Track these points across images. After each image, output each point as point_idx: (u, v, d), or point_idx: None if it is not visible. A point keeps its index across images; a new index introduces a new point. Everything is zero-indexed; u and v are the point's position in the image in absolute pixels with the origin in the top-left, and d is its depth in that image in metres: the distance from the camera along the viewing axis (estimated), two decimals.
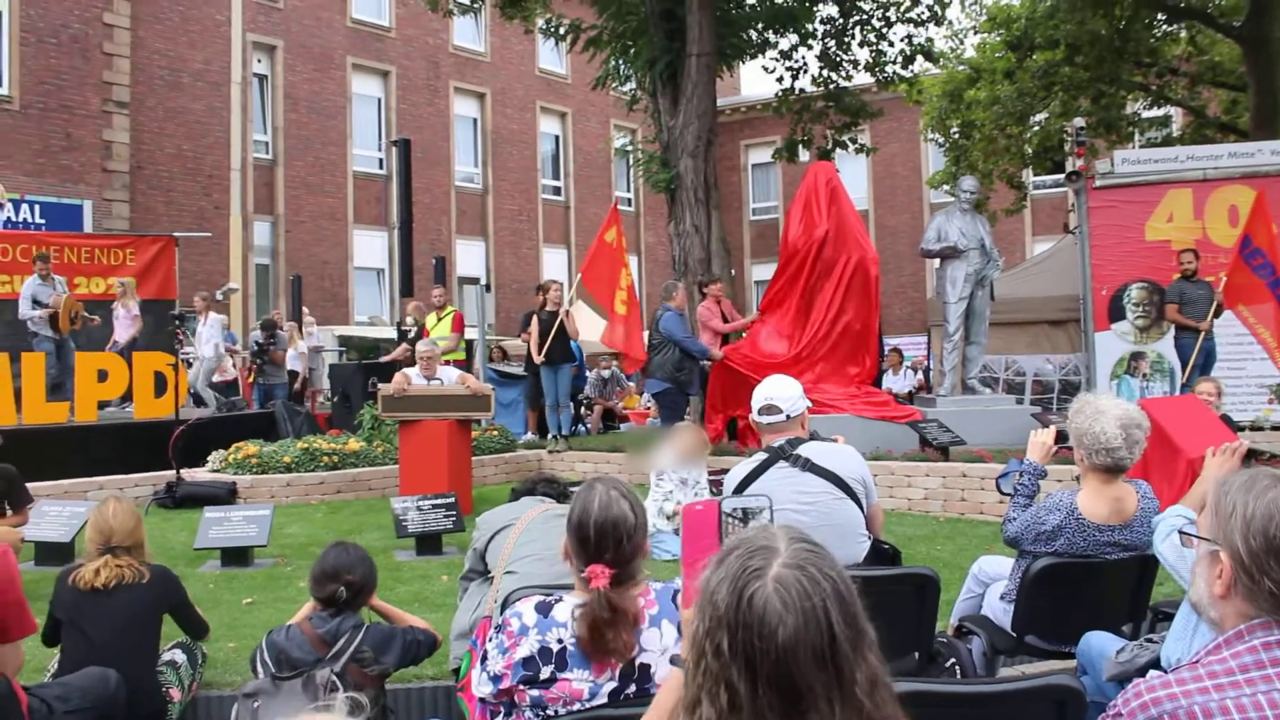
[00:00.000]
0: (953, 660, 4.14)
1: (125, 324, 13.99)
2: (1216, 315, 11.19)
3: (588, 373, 17.15)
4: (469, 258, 29.20)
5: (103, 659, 4.11)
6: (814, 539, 1.57)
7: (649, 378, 12.27)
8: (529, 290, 28.04)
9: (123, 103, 22.23)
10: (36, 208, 20.15)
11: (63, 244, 15.39)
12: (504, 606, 3.59)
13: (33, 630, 3.58)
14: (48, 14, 21.15)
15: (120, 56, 22.28)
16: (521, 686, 2.61)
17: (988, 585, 4.66)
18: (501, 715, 2.73)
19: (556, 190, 32.31)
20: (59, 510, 7.75)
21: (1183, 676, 1.77)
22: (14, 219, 18.36)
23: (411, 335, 13.85)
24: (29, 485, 7.61)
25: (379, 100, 28.11)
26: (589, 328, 12.69)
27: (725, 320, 12.06)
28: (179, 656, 4.62)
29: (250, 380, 16.40)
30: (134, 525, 4.48)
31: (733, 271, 12.58)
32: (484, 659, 2.71)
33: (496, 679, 2.64)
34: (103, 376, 12.25)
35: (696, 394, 11.73)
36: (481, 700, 2.73)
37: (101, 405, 12.35)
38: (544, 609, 2.68)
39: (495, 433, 12.56)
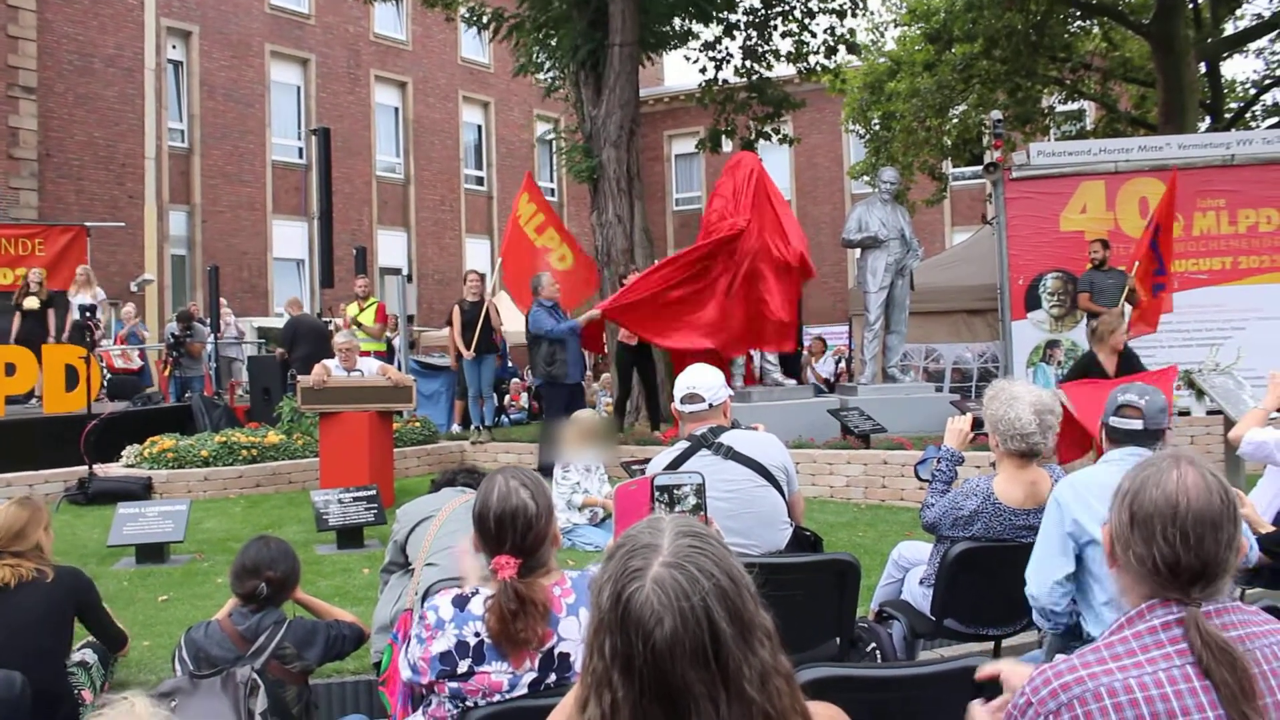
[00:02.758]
0: (873, 645, 4.20)
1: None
2: (1129, 302, 11.44)
3: (510, 364, 17.08)
4: (391, 248, 28.88)
5: (6, 661, 3.97)
6: (704, 529, 1.56)
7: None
8: (451, 281, 27.84)
9: (29, 88, 21.60)
10: None
11: None
12: (424, 598, 3.56)
13: None
14: None
15: (26, 40, 21.64)
16: (440, 680, 2.59)
17: (907, 570, 4.73)
18: (420, 710, 2.72)
19: (479, 180, 32.08)
20: None
21: (1088, 659, 1.81)
22: None
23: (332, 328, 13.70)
24: None
25: (298, 88, 27.65)
26: (512, 318, 12.64)
27: None
28: (89, 656, 4.51)
29: (166, 373, 16.07)
30: (23, 525, 4.30)
31: (655, 261, 12.56)
32: (406, 646, 2.71)
33: (415, 670, 2.63)
34: (10, 370, 11.92)
35: (577, 380, 11.46)
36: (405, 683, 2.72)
37: (9, 400, 12.01)
38: (460, 602, 2.66)
39: (417, 424, 12.46)
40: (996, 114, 15.52)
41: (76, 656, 4.45)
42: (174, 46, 24.97)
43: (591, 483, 8.11)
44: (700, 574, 1.45)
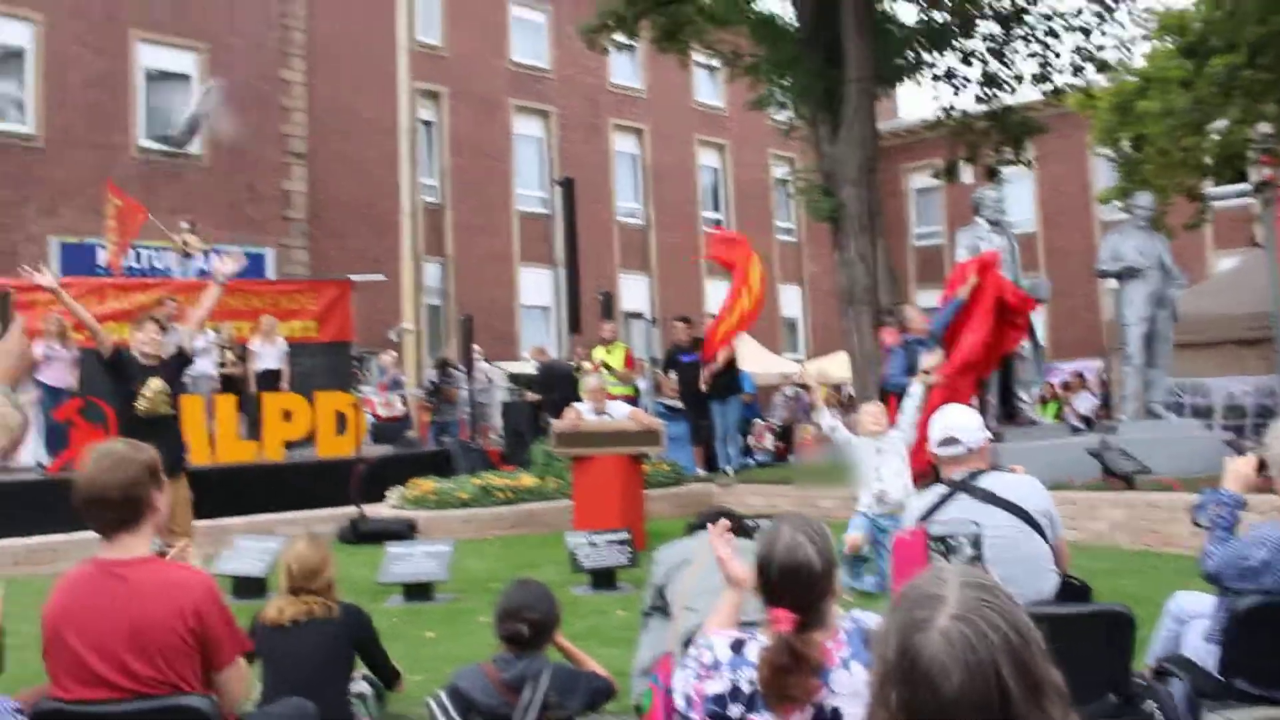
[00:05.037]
0: (1152, 703, 3.97)
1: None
2: None
3: (755, 404, 17.11)
4: (634, 292, 29.47)
5: (297, 691, 4.21)
6: (990, 581, 1.52)
7: None
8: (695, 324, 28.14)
9: (300, 154, 23.30)
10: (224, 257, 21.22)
11: (249, 290, 16.14)
12: (686, 643, 3.59)
13: (248, 647, 3.60)
14: (231, 73, 22.37)
15: (297, 110, 23.37)
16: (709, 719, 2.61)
17: (1185, 623, 4.45)
18: None
19: (717, 222, 32.43)
20: (253, 545, 8.12)
21: None
22: (205, 268, 19.37)
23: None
24: (224, 520, 7.95)
25: (540, 140, 28.74)
26: (757, 359, 12.67)
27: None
28: (365, 688, 4.75)
29: (426, 419, 16.87)
30: (318, 564, 4.56)
31: (898, 298, 12.40)
32: (680, 672, 2.74)
33: (689, 703, 2.66)
34: (287, 417, 12.78)
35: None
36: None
37: (287, 445, 12.88)
38: (737, 646, 2.67)
39: (666, 467, 12.61)
40: (1264, 127, 14.53)
41: (354, 688, 4.71)
42: (425, 107, 26.40)
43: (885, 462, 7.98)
44: (989, 628, 1.42)
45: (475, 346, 18.01)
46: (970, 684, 1.39)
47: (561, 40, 27.82)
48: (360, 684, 4.77)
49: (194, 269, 16.10)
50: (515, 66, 28.22)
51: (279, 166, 22.95)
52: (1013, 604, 1.49)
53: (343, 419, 12.54)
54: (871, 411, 8.36)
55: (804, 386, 13.56)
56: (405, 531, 10.27)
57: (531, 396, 14.33)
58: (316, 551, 4.64)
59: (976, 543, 2.59)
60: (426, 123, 26.59)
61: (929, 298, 29.24)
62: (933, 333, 10.18)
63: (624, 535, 8.14)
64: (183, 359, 7.87)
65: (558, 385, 13.51)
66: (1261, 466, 4.11)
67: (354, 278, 17.77)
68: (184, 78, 22.16)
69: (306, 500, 11.17)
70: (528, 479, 11.50)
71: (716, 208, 32.63)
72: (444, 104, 26.69)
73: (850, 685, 2.58)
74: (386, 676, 4.88)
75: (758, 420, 19.15)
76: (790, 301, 34.01)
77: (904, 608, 1.49)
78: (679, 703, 2.72)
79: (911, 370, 9.68)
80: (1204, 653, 4.10)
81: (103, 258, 17.46)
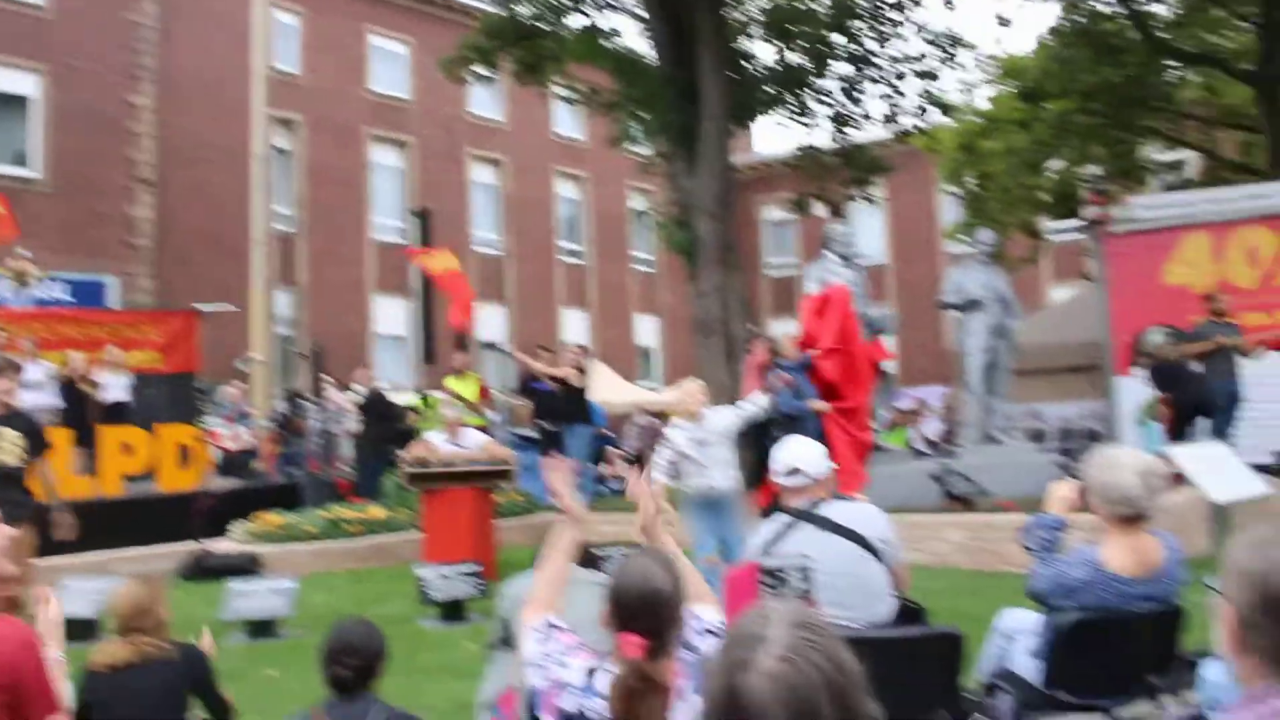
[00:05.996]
0: (982, 717, 4.11)
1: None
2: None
3: (608, 433, 17.14)
4: (490, 322, 29.33)
5: None
6: (814, 619, 1.56)
7: None
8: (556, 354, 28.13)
9: (147, 180, 22.58)
10: (60, 285, 20.39)
11: (89, 320, 15.54)
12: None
13: (56, 712, 3.36)
14: (74, 96, 21.60)
15: (145, 135, 22.68)
16: None
17: (1012, 639, 4.62)
18: None
19: (575, 253, 32.54)
20: (83, 585, 7.78)
21: None
22: (43, 297, 18.57)
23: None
24: (57, 559, 7.63)
25: (398, 169, 28.46)
26: (610, 389, 12.73)
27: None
28: None
29: (274, 451, 16.44)
30: (149, 603, 4.35)
31: (751, 329, 12.64)
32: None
33: (539, 699, 2.75)
34: (127, 450, 12.32)
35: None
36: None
37: (127, 479, 12.40)
38: (589, 674, 2.70)
39: (518, 497, 12.54)
40: (1094, 168, 15.30)
41: None
42: (280, 135, 25.90)
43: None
44: (810, 667, 1.46)
45: (326, 376, 17.64)
46: None
47: (422, 70, 27.65)
48: None
49: (29, 298, 15.42)
50: (374, 95, 27.94)
51: (124, 192, 22.22)
52: (835, 641, 1.53)
53: (186, 452, 12.14)
54: (691, 390, 8.10)
55: (658, 416, 13.60)
56: (249, 566, 10.00)
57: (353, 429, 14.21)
58: (147, 590, 4.46)
59: (806, 576, 2.64)
60: (282, 150, 26.07)
61: (784, 327, 29.89)
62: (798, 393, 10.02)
63: (474, 567, 8.08)
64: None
65: (377, 417, 13.36)
66: (1082, 491, 4.30)
67: (201, 307, 17.28)
68: (23, 100, 21.32)
69: (147, 536, 10.78)
70: (378, 511, 11.31)
71: (574, 238, 32.74)
72: (300, 132, 26.23)
73: (691, 716, 2.60)
74: (219, 711, 4.71)
75: (611, 449, 19.20)
76: (646, 331, 34.32)
77: (729, 647, 1.53)
78: (536, 680, 2.79)
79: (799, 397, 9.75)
80: (1030, 667, 4.26)
81: None
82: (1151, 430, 12.52)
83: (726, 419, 7.96)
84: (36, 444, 7.39)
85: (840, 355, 10.33)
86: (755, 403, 8.31)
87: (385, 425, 13.36)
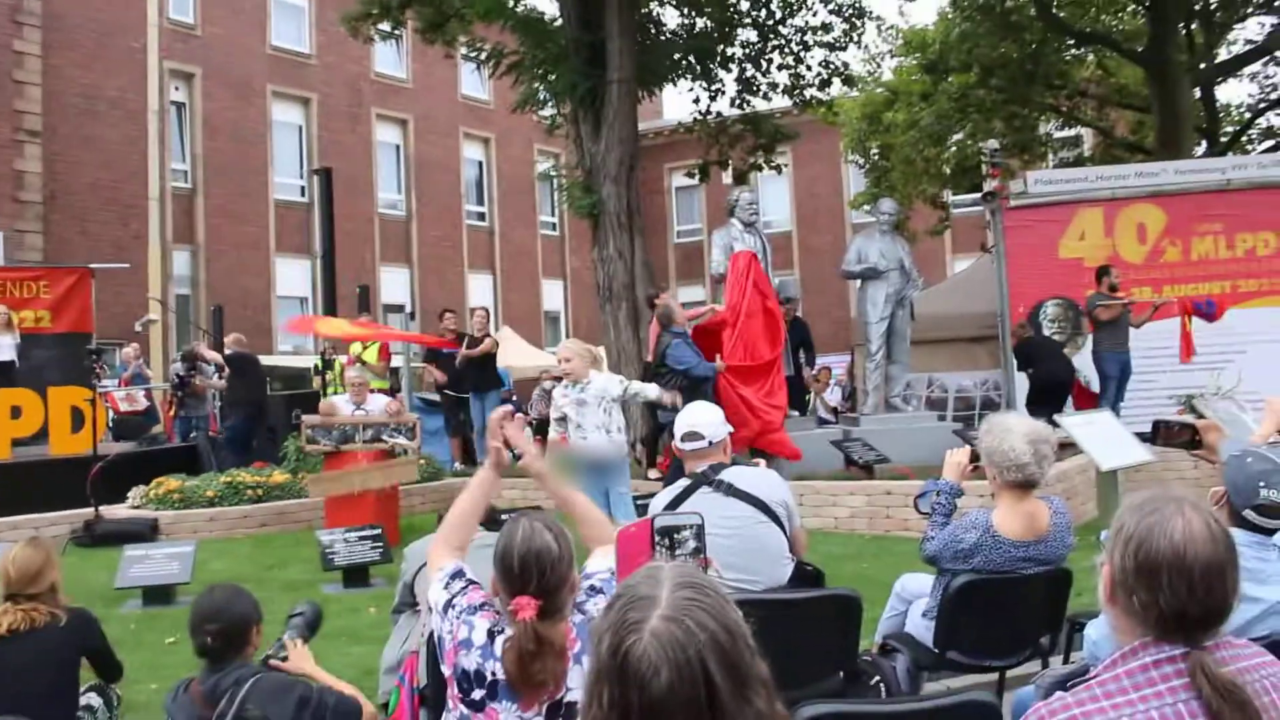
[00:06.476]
0: (877, 678, 4.23)
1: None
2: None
3: (515, 399, 17.10)
4: (394, 285, 28.97)
5: (16, 707, 3.96)
6: (703, 580, 1.59)
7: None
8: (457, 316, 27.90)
9: (34, 131, 21.79)
10: None
11: None
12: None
13: None
14: None
15: (31, 84, 21.86)
16: (457, 693, 2.69)
17: (910, 603, 4.75)
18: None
19: (481, 215, 32.25)
20: None
21: (1081, 696, 1.83)
22: None
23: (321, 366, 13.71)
24: None
25: (300, 128, 27.85)
26: (518, 354, 12.70)
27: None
28: (95, 700, 4.51)
29: (171, 414, 16.11)
30: (39, 569, 4.28)
31: (656, 292, 12.69)
32: (447, 614, 2.85)
33: (443, 653, 2.78)
34: (16, 413, 11.96)
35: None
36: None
37: (16, 443, 12.05)
38: (492, 635, 2.73)
39: (423, 462, 12.46)
40: (993, 143, 15.62)
41: (82, 700, 4.47)
42: (176, 88, 25.17)
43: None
44: (697, 627, 1.47)
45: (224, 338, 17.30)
46: (679, 682, 1.44)
47: (324, 26, 27.00)
48: (89, 695, 4.53)
49: None
50: (275, 51, 27.22)
51: (10, 144, 21.38)
52: (722, 600, 1.55)
53: (79, 415, 11.81)
54: (571, 349, 8.23)
55: (557, 379, 13.52)
56: (145, 532, 9.80)
57: (217, 383, 14.03)
58: (37, 554, 4.37)
59: (699, 534, 2.68)
60: (178, 105, 25.35)
61: (690, 293, 30.05)
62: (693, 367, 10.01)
63: (377, 531, 8.04)
64: None
65: (244, 379, 13.21)
66: (975, 457, 4.43)
67: (94, 265, 16.80)
68: None
69: (37, 502, 10.48)
70: (279, 475, 11.15)
71: (480, 201, 32.43)
72: (197, 86, 25.48)
73: (583, 679, 2.65)
74: (109, 673, 4.63)
75: (517, 414, 19.14)
76: (552, 295, 34.21)
77: (618, 608, 1.54)
78: (437, 623, 2.82)
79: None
80: (923, 629, 4.40)
81: None
82: None
83: (608, 385, 8.05)
84: None
85: (749, 320, 10.42)
86: (644, 390, 8.35)
87: (249, 384, 13.18)
